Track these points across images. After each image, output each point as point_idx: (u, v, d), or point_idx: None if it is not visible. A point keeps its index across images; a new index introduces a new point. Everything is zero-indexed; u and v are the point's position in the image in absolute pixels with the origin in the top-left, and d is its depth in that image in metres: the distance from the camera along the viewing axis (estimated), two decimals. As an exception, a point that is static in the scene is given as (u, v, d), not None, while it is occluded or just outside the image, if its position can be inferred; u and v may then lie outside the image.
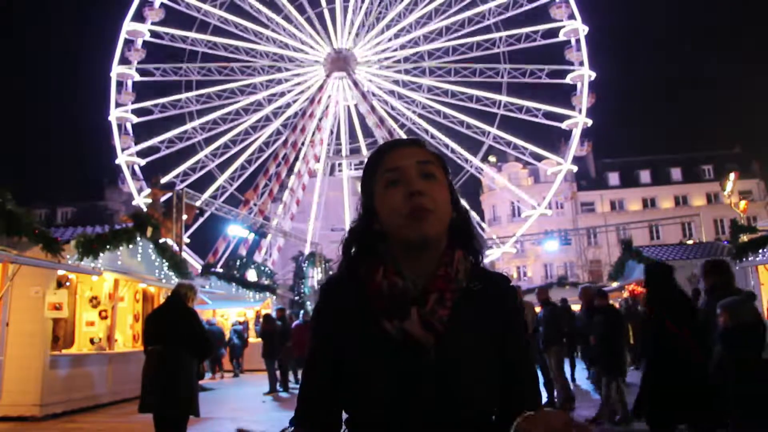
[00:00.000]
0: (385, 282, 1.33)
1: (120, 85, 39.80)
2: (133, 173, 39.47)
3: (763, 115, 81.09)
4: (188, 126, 41.92)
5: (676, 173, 52.33)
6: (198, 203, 23.01)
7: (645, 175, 52.70)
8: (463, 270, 1.36)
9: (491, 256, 41.67)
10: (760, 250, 14.63)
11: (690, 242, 25.80)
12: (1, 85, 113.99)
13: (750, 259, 14.78)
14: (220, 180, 41.70)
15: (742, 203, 25.02)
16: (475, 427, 1.30)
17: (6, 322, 9.96)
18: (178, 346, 5.56)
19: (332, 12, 42.41)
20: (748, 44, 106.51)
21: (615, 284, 21.75)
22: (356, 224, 1.44)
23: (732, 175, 25.82)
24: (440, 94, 42.18)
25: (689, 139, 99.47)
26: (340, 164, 48.40)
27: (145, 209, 36.33)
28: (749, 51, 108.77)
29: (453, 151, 41.61)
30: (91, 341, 12.23)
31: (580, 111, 39.08)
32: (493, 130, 41.13)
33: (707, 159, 52.06)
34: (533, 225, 40.51)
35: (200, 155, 41.82)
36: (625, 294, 19.70)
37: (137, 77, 40.37)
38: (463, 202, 1.48)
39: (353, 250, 1.44)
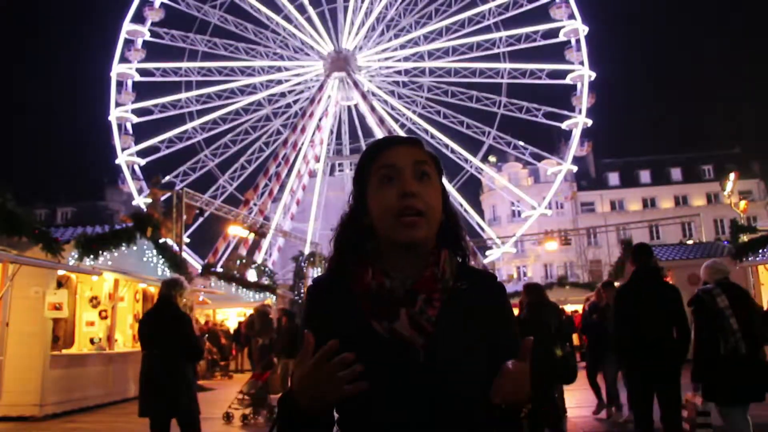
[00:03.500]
0: (374, 283, 1.34)
1: (120, 84, 39.78)
2: (133, 173, 39.45)
3: (763, 115, 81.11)
4: (188, 126, 41.95)
5: (676, 173, 52.34)
6: (198, 204, 22.96)
7: (645, 175, 52.71)
8: (449, 270, 1.37)
9: (491, 257, 41.71)
10: (760, 250, 14.65)
11: (690, 242, 25.74)
12: (1, 85, 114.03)
13: (750, 259, 14.80)
14: (221, 180, 41.75)
15: (742, 203, 24.98)
16: (467, 425, 1.31)
17: (6, 322, 9.96)
18: (170, 349, 5.58)
19: (333, 12, 42.52)
20: (749, 44, 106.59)
21: (615, 284, 21.69)
22: (346, 217, 1.45)
23: (732, 175, 25.82)
24: (440, 94, 42.23)
25: (689, 139, 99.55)
26: (340, 164, 48.43)
27: (145, 209, 36.39)
28: (749, 51, 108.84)
29: (453, 151, 41.65)
30: (91, 341, 12.23)
31: (579, 111, 39.05)
32: (493, 131, 41.17)
33: (707, 159, 52.06)
34: (533, 225, 40.52)
35: (200, 155, 41.89)
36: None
37: (137, 77, 40.34)
38: (462, 202, 1.49)
39: (341, 248, 1.44)
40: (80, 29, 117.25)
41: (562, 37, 39.46)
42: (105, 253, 11.89)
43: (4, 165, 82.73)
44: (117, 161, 39.21)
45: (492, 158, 49.42)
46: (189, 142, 42.13)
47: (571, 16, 38.86)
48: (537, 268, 51.53)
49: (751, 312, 4.97)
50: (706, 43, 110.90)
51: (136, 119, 40.30)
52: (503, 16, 40.52)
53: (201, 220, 28.29)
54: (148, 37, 40.24)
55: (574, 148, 39.32)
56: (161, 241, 15.07)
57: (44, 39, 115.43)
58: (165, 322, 5.69)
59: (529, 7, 39.83)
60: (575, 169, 42.06)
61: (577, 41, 39.00)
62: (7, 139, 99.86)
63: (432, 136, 41.76)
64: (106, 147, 40.20)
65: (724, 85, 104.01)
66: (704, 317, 4.96)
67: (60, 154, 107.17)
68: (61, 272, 10.76)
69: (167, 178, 39.29)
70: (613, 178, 53.12)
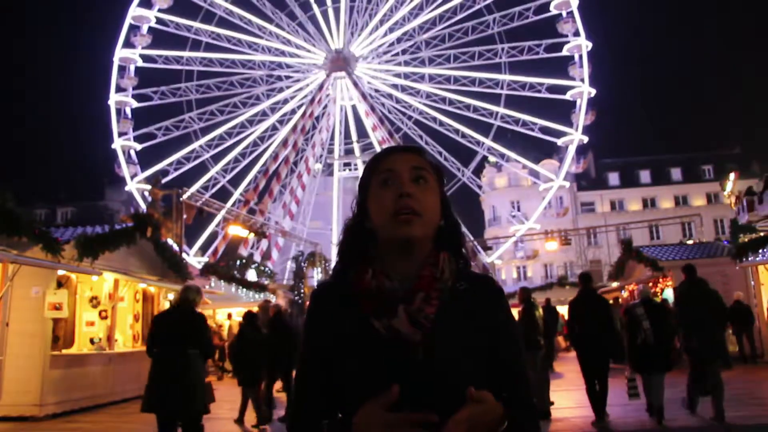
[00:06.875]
0: (374, 282, 1.37)
1: (122, 69, 39.77)
2: (129, 158, 39.29)
3: (763, 115, 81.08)
4: (186, 115, 41.99)
5: (676, 173, 52.35)
6: (187, 194, 22.82)
7: (645, 175, 52.72)
8: (448, 271, 1.40)
9: (490, 257, 41.76)
10: (760, 250, 14.65)
11: (690, 242, 25.74)
12: (1, 84, 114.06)
13: (750, 259, 14.80)
14: (213, 171, 41.64)
15: (742, 203, 24.92)
16: None
17: (6, 322, 9.97)
18: (191, 348, 5.95)
19: (336, 12, 42.54)
20: (748, 44, 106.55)
21: (615, 284, 21.74)
22: (350, 222, 1.50)
23: (732, 175, 25.81)
24: (438, 101, 42.10)
25: (689, 139, 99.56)
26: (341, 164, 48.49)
27: (137, 196, 36.30)
28: (749, 51, 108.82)
29: (446, 158, 41.80)
30: (91, 341, 12.23)
31: (577, 128, 38.63)
32: (488, 142, 41.06)
33: (707, 159, 52.07)
34: (534, 225, 40.63)
35: (195, 145, 41.73)
36: (625, 294, 19.68)
37: (140, 62, 40.32)
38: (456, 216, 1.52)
39: (346, 252, 1.48)
40: (81, 21, 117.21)
41: (565, 52, 39.14)
42: (105, 253, 11.90)
43: (3, 165, 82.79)
44: (113, 146, 39.12)
45: (492, 158, 49.39)
46: (185, 131, 42.15)
47: (577, 32, 38.40)
48: (537, 268, 51.55)
49: (662, 317, 7.89)
50: (706, 43, 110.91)
51: (135, 104, 40.30)
52: (507, 27, 40.38)
53: (194, 212, 28.24)
54: (153, 23, 40.19)
55: (567, 165, 39.21)
56: (161, 241, 15.08)
57: (44, 37, 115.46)
58: (186, 321, 6.06)
59: (534, 19, 39.63)
60: (567, 185, 42.13)
61: (580, 57, 38.67)
62: (7, 138, 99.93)
63: (426, 143, 41.85)
64: (107, 147, 40.24)
65: (724, 85, 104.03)
66: (631, 321, 7.98)
67: (60, 154, 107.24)
68: (61, 272, 10.77)
69: (161, 165, 39.50)
70: (613, 178, 53.12)
